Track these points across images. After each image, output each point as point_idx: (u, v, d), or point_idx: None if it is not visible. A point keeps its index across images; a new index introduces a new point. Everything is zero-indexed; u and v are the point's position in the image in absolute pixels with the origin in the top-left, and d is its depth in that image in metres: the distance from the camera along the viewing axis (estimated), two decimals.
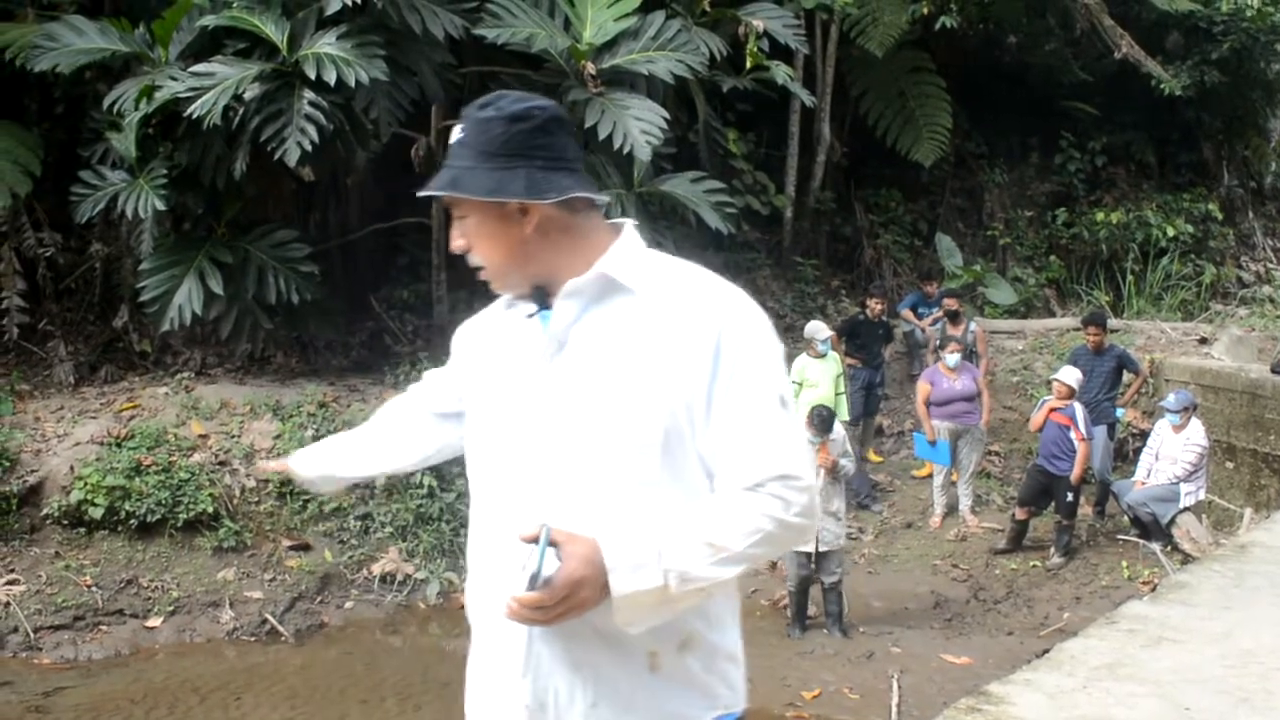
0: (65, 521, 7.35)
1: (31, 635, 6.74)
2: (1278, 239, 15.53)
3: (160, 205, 7.82)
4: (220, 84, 7.40)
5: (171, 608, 7.11)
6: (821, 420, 7.01)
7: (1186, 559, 7.83)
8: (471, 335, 1.97)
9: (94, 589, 7.06)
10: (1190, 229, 13.61)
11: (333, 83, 7.37)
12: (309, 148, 7.42)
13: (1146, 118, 14.23)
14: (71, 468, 7.51)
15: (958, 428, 8.92)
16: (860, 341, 9.68)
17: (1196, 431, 8.44)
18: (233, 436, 8.15)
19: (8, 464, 7.46)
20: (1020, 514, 8.57)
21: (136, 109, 7.77)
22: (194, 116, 7.36)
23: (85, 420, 8.08)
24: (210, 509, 7.54)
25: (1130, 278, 13.09)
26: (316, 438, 8.11)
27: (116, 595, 7.09)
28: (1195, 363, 10.06)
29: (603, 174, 8.45)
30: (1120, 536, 8.72)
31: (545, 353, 1.75)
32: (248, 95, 7.52)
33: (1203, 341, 10.94)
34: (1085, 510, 8.88)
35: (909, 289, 12.12)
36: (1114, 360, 9.09)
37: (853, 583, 7.81)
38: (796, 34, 9.71)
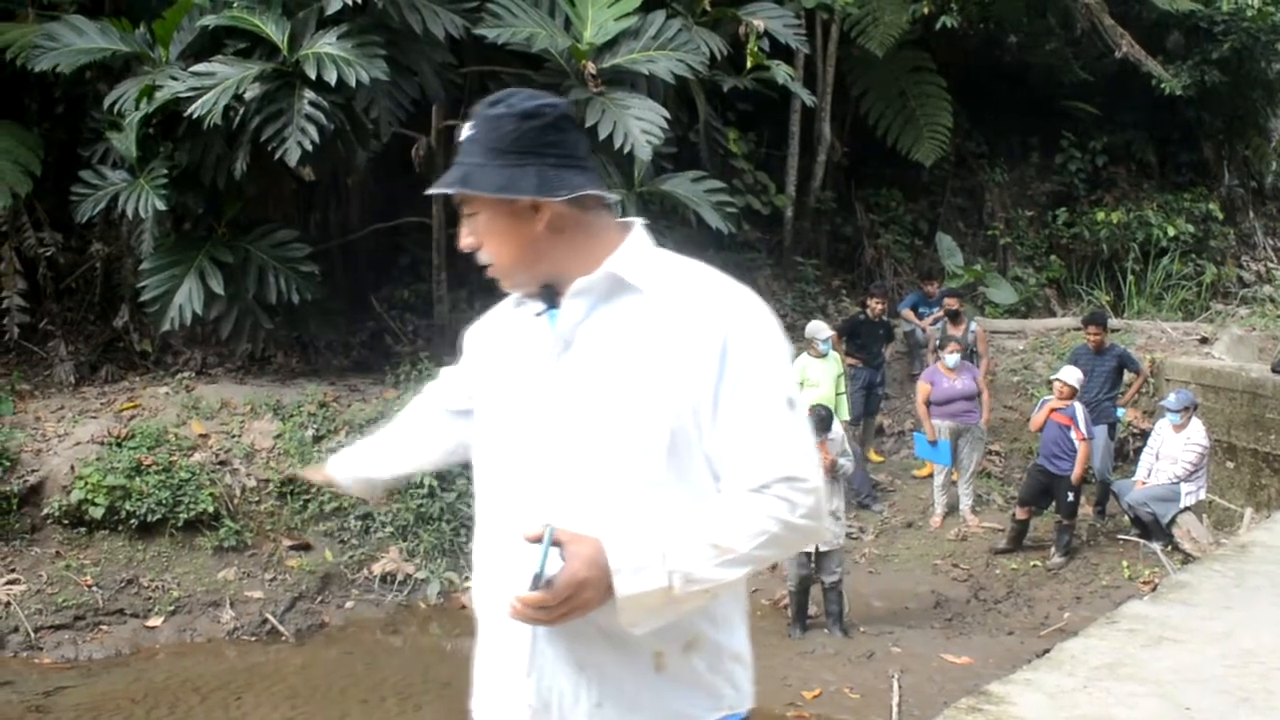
0: (66, 521, 7.35)
1: (32, 635, 6.74)
2: (1278, 238, 15.53)
3: (161, 205, 7.83)
4: (221, 84, 7.40)
5: (172, 607, 7.12)
6: (820, 419, 7.00)
7: (1187, 559, 7.83)
8: (481, 334, 1.97)
9: (94, 589, 7.06)
10: (1191, 229, 13.61)
11: (333, 82, 7.38)
12: (309, 147, 7.43)
13: (1147, 117, 14.24)
14: (72, 467, 7.51)
15: (958, 427, 8.92)
16: (861, 341, 9.69)
17: (1197, 431, 8.44)
18: (233, 436, 8.15)
19: (8, 464, 7.46)
20: (1021, 514, 8.57)
21: (137, 109, 7.77)
22: (194, 116, 7.36)
23: (86, 420, 8.08)
24: (211, 509, 7.54)
25: (1131, 277, 13.09)
26: (317, 438, 8.13)
27: (117, 595, 7.09)
28: (1196, 362, 10.06)
29: (603, 174, 8.45)
30: (1121, 536, 8.72)
31: (552, 352, 1.74)
32: (248, 95, 7.52)
33: (1203, 341, 10.94)
34: (1086, 510, 8.88)
35: (909, 288, 12.12)
36: (1115, 360, 9.09)
37: (853, 582, 7.81)
38: (797, 34, 9.72)
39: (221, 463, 7.94)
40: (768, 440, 1.65)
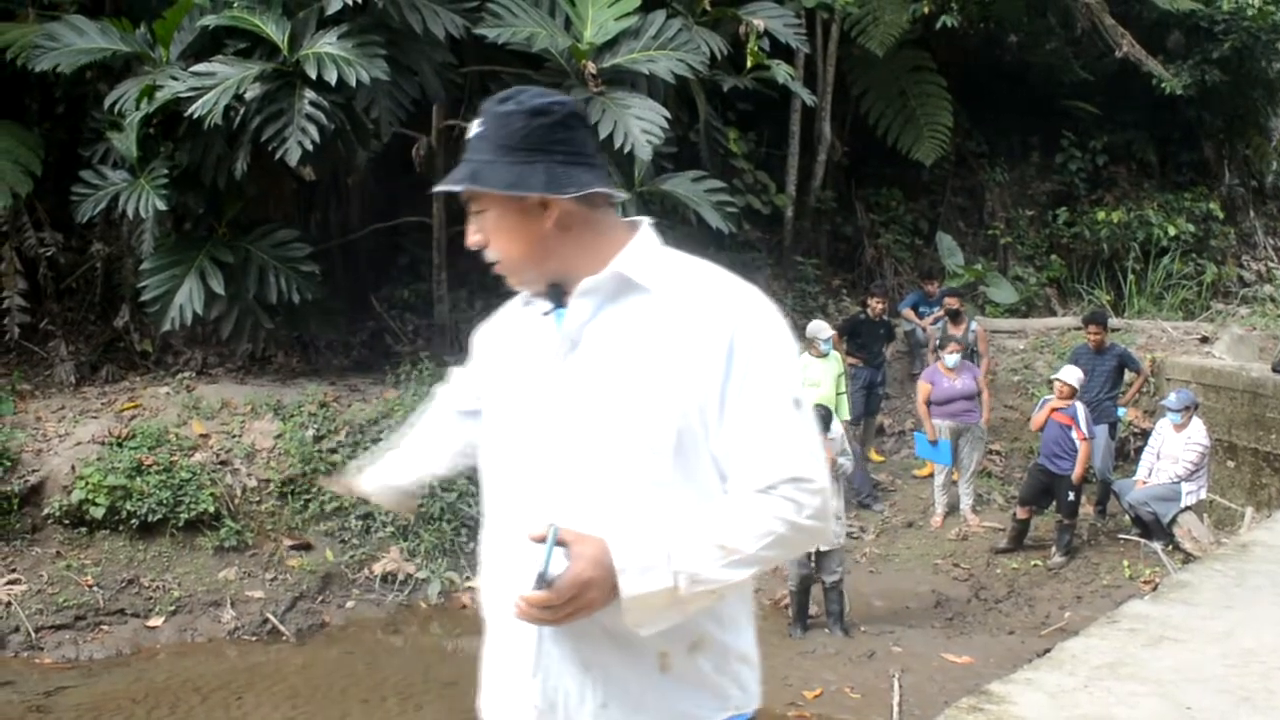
0: (66, 521, 7.35)
1: (33, 635, 6.74)
2: (1279, 238, 15.52)
3: (161, 205, 7.82)
4: (221, 84, 7.40)
5: (173, 607, 7.11)
6: (820, 419, 7.01)
7: (1188, 558, 7.83)
8: (489, 334, 1.97)
9: (95, 588, 7.06)
10: (1191, 228, 13.61)
11: (333, 82, 7.37)
12: (310, 147, 7.42)
13: (1147, 117, 14.24)
14: (73, 467, 7.51)
15: (958, 426, 8.92)
16: (861, 341, 9.69)
17: (1198, 430, 8.44)
18: (234, 436, 8.15)
19: (9, 464, 7.46)
20: (1021, 513, 8.57)
21: (137, 109, 7.77)
22: (195, 116, 7.36)
23: (86, 420, 8.08)
24: (211, 508, 7.54)
25: (1131, 277, 13.09)
26: (317, 437, 8.14)
27: (118, 595, 7.09)
28: (1196, 362, 10.06)
29: None
30: (1121, 536, 8.72)
31: (559, 351, 1.74)
32: (248, 95, 7.52)
33: (1204, 340, 10.94)
34: (1086, 509, 8.88)
35: (910, 288, 12.12)
36: (1115, 359, 9.10)
37: (854, 582, 7.82)
38: (797, 33, 9.71)
39: (222, 463, 7.94)
40: (774, 441, 1.64)
